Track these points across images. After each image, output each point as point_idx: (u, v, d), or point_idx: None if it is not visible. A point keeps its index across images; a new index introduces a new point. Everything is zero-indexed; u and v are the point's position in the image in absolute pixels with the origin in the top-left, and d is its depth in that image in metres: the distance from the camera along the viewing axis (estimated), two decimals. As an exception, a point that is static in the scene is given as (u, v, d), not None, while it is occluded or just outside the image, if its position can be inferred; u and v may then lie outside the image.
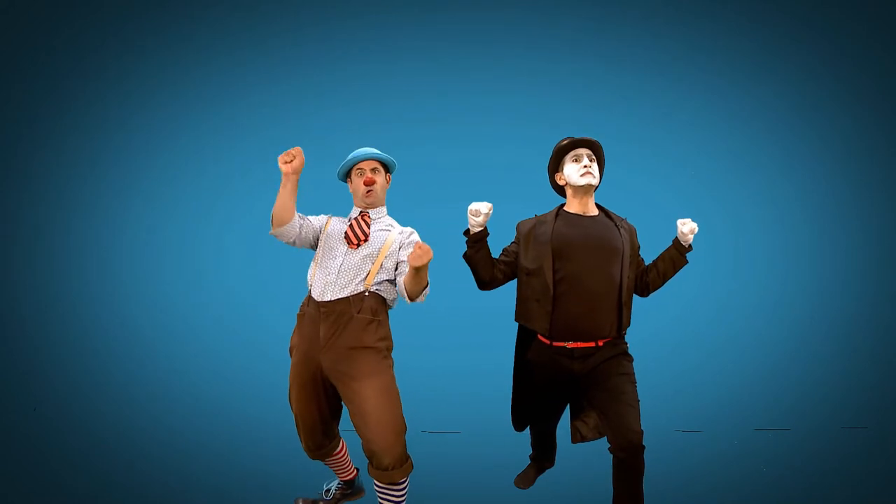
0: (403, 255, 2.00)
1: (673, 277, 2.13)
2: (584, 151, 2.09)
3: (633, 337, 2.14)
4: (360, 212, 2.05)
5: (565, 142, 2.12)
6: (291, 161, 1.85)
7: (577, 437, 2.25)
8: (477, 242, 2.07)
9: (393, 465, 1.82)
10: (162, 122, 3.61)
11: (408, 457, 1.88)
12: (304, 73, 3.59)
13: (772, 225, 3.58)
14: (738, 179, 3.59)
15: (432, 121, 3.52)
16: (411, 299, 1.94)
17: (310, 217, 2.05)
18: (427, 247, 1.75)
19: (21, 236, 3.58)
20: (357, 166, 2.05)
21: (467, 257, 2.11)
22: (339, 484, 2.32)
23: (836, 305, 3.52)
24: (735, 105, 3.56)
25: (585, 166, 2.06)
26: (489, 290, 2.19)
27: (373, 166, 2.05)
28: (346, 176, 2.11)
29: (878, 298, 3.51)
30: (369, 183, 2.00)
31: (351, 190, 2.10)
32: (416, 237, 2.06)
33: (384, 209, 2.10)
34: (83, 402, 3.32)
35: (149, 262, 3.60)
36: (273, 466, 2.64)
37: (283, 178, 1.87)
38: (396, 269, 2.02)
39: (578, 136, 2.12)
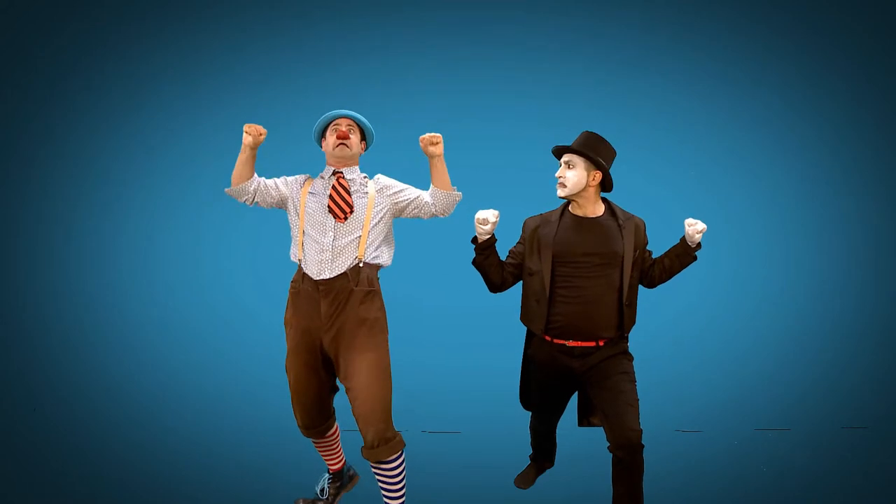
0: (391, 199, 2.02)
1: (678, 274, 2.13)
2: (563, 160, 2.06)
3: (633, 336, 2.14)
4: (333, 172, 2.03)
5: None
6: (249, 134, 1.93)
7: (585, 422, 2.25)
8: (486, 250, 2.08)
9: (377, 441, 1.84)
10: (162, 122, 3.60)
11: (394, 436, 1.88)
12: (305, 73, 3.58)
13: (773, 225, 3.57)
14: (738, 179, 3.58)
15: (435, 122, 3.50)
16: (445, 206, 1.99)
17: (275, 181, 2.06)
18: (429, 136, 1.90)
19: (21, 236, 3.58)
20: (333, 123, 2.03)
21: (477, 264, 2.13)
22: (328, 478, 2.32)
23: (836, 305, 3.52)
24: (736, 105, 3.56)
25: (558, 177, 2.05)
26: (500, 292, 2.20)
27: (348, 123, 2.03)
28: (322, 136, 2.09)
29: (878, 298, 3.51)
30: (342, 136, 1.98)
31: (323, 149, 2.07)
32: (388, 181, 2.06)
33: (357, 168, 2.07)
34: (83, 402, 3.32)
35: (149, 262, 3.60)
36: (273, 467, 2.64)
37: (242, 147, 1.97)
38: (410, 205, 2.03)
39: (576, 134, 2.09)
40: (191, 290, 3.56)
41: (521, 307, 2.17)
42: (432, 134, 1.93)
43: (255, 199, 2.04)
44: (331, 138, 2.01)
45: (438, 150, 1.95)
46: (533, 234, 2.11)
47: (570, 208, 2.12)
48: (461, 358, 3.34)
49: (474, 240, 2.10)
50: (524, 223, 2.19)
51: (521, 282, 2.18)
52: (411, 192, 2.05)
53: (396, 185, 2.06)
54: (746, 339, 3.49)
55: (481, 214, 2.04)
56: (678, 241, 2.07)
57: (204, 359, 3.47)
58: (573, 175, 2.02)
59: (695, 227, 2.00)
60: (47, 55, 3.53)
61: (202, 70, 3.59)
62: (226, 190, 2.04)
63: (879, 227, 3.53)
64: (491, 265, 2.10)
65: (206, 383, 3.39)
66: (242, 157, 1.98)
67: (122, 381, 3.43)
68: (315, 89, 3.56)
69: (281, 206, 2.08)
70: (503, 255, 2.17)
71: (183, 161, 3.59)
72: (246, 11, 3.56)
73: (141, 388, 3.39)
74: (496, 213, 2.04)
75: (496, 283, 2.15)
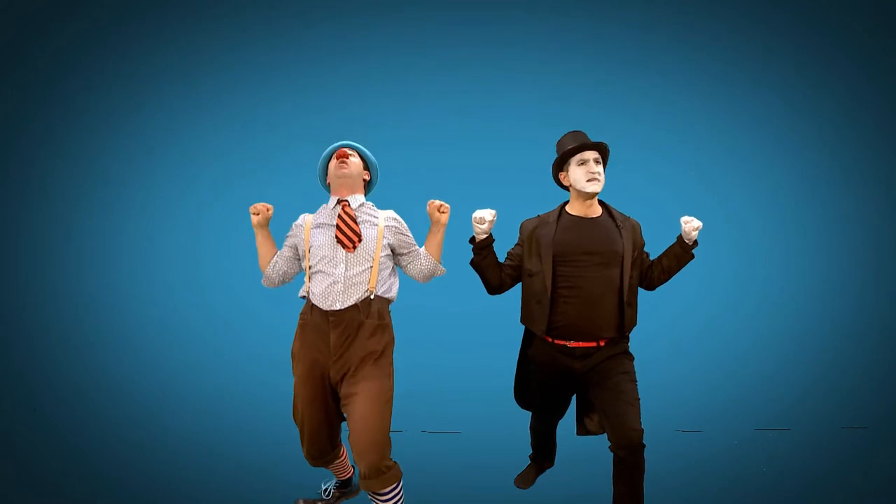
0: (396, 238, 2.01)
1: (677, 274, 2.13)
2: (590, 155, 2.02)
3: (634, 336, 2.14)
4: (338, 201, 2.00)
5: (572, 144, 2.05)
6: (257, 214, 2.01)
7: (582, 430, 2.25)
8: (483, 249, 2.08)
9: (368, 473, 1.79)
10: (162, 122, 3.60)
11: (388, 469, 1.83)
12: (305, 73, 3.58)
13: (773, 225, 3.57)
14: (738, 179, 3.59)
15: (435, 122, 3.52)
16: (425, 272, 2.04)
17: (284, 245, 2.06)
18: (439, 203, 1.98)
19: (21, 236, 3.58)
20: (334, 155, 2.03)
21: (475, 264, 2.12)
22: (336, 483, 2.34)
23: (836, 305, 3.52)
24: (736, 105, 3.56)
25: (592, 172, 2.01)
26: (498, 294, 2.19)
27: (346, 150, 2.04)
28: (325, 175, 2.09)
29: (878, 298, 3.51)
30: (342, 155, 1.98)
31: (328, 180, 2.07)
32: (401, 223, 2.04)
33: (362, 197, 2.05)
34: (83, 402, 3.32)
35: (149, 262, 3.60)
36: (274, 467, 2.64)
37: (254, 230, 2.05)
38: (405, 255, 2.03)
39: (580, 135, 2.10)
40: (191, 290, 3.56)
41: (522, 308, 2.16)
42: (442, 202, 1.99)
43: (286, 271, 2.06)
44: (332, 164, 2.01)
45: (444, 219, 2.00)
46: (531, 236, 2.11)
47: (567, 209, 2.12)
48: (461, 358, 3.34)
49: (472, 239, 2.10)
50: (521, 225, 2.18)
51: (521, 283, 2.17)
52: (413, 242, 2.06)
53: (405, 227, 2.05)
54: (746, 339, 3.50)
55: (478, 214, 2.04)
56: (675, 239, 2.08)
57: (204, 359, 3.47)
58: (602, 172, 2.03)
59: (691, 224, 1.99)
60: (47, 55, 3.53)
61: (202, 70, 3.59)
62: (263, 283, 2.10)
63: (879, 227, 3.53)
64: (489, 265, 2.10)
65: (206, 383, 3.39)
66: (258, 239, 2.04)
67: (122, 381, 3.43)
68: (315, 89, 3.56)
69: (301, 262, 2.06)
70: (501, 257, 2.17)
71: (183, 161, 3.59)
72: (246, 11, 3.56)
73: (141, 388, 3.39)
74: (493, 212, 2.04)
75: (494, 285, 2.15)
